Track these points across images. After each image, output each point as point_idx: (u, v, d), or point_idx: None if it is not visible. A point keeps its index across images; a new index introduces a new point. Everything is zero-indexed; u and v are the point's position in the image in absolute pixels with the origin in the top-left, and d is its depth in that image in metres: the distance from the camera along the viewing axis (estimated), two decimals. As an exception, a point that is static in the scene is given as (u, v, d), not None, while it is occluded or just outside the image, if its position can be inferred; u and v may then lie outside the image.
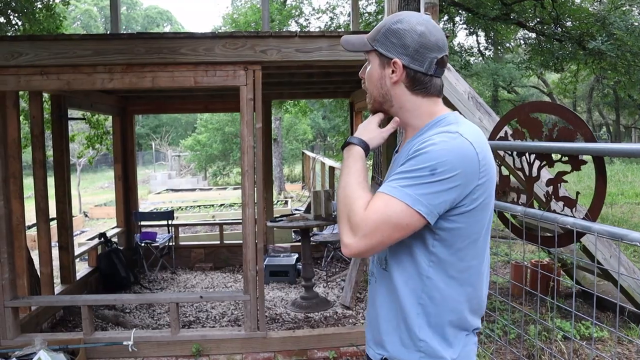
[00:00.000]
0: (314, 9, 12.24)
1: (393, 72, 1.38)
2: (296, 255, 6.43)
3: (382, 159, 7.13)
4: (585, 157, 2.44)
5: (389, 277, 1.40)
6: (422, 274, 1.34)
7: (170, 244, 6.81)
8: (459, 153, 1.25)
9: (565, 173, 2.53)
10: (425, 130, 1.37)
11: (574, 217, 2.41)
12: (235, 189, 18.13)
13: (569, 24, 9.29)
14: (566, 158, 2.49)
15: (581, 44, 8.39)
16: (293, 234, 8.05)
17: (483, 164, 1.29)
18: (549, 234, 2.74)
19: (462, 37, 49.10)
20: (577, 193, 2.48)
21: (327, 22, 11.76)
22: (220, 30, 17.86)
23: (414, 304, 1.35)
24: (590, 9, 10.15)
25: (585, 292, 4.70)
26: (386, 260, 1.41)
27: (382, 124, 1.52)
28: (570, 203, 2.49)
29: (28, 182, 4.64)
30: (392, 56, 1.37)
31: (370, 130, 1.48)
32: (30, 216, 4.85)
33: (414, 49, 1.35)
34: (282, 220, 5.24)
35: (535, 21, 9.30)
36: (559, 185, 2.57)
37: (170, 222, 6.84)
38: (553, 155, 2.59)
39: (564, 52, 8.63)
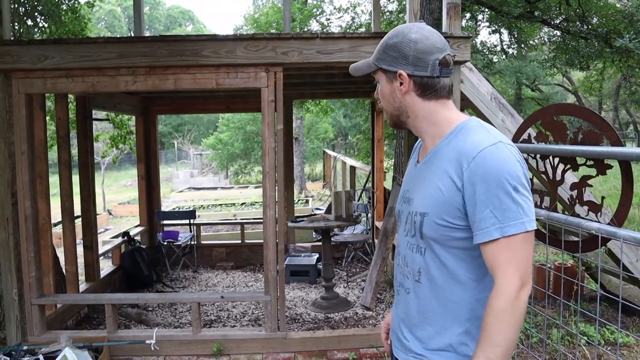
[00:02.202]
0: (335, 8, 12.18)
1: (401, 83, 1.42)
2: (317, 255, 6.44)
3: (403, 160, 7.10)
4: (611, 162, 2.39)
5: (428, 287, 1.42)
6: (473, 279, 1.38)
7: (192, 242, 6.88)
8: (514, 160, 1.31)
9: (590, 177, 2.48)
10: (450, 140, 1.40)
11: (599, 222, 2.37)
12: (256, 187, 18.23)
13: (595, 21, 9.11)
14: (591, 162, 2.44)
15: (608, 41, 8.21)
16: (314, 233, 8.06)
17: (523, 166, 1.36)
18: (574, 238, 2.70)
19: (485, 35, 48.54)
20: (603, 198, 2.44)
21: (348, 22, 11.72)
22: (241, 30, 17.95)
23: (466, 309, 1.39)
24: (617, 5, 9.94)
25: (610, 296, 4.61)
26: (420, 272, 1.43)
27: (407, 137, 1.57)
28: (595, 208, 2.45)
29: (53, 180, 4.73)
30: (396, 69, 1.41)
31: None
32: (55, 214, 4.94)
33: (414, 57, 1.39)
34: (303, 220, 5.26)
35: (560, 19, 9.14)
36: (583, 189, 2.53)
37: (192, 221, 6.90)
38: (578, 159, 2.55)
39: (589, 50, 8.47)
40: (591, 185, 2.51)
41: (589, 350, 3.83)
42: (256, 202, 14.23)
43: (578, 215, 2.48)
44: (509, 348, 1.27)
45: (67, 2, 6.22)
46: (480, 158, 1.28)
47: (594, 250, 2.49)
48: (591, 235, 2.39)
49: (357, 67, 1.52)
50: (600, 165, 2.40)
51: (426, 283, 1.42)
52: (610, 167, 2.39)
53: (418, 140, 1.61)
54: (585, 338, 3.91)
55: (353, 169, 10.00)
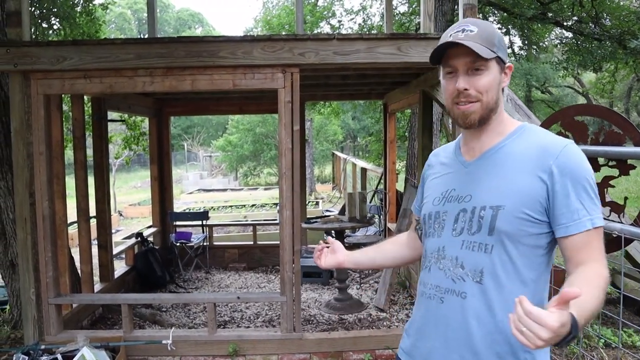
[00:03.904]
0: (345, 10, 12.20)
1: (504, 75, 1.42)
2: (329, 257, 6.42)
3: (415, 161, 7.09)
4: (634, 162, 2.37)
5: (492, 288, 1.34)
6: (533, 279, 1.35)
7: (205, 244, 6.89)
8: (587, 160, 1.36)
9: (612, 178, 2.47)
10: (516, 138, 1.41)
11: (621, 223, 2.35)
12: (266, 189, 18.27)
13: (607, 22, 9.05)
14: (613, 162, 2.43)
15: (622, 43, 8.16)
16: (325, 234, 8.05)
17: None
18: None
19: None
20: (625, 198, 2.42)
21: (360, 24, 11.71)
22: (252, 32, 18.01)
23: None
24: (631, 6, 9.88)
25: (627, 299, 4.58)
26: (482, 273, 1.35)
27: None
28: (618, 209, 2.43)
29: (67, 181, 4.75)
30: (506, 61, 1.41)
31: None
32: (69, 214, 4.96)
33: (505, 51, 1.42)
34: (316, 221, 5.26)
35: (573, 20, 9.08)
36: (605, 190, 2.51)
37: (204, 222, 6.92)
38: (599, 160, 2.53)
39: (603, 51, 8.41)
40: (613, 186, 2.49)
41: (606, 352, 3.80)
42: (266, 204, 14.25)
43: (600, 216, 2.46)
44: (587, 320, 1.16)
45: (82, 3, 6.26)
46: (568, 153, 1.31)
47: (616, 251, 2.48)
48: (613, 236, 2.38)
49: (478, 49, 1.33)
50: (623, 165, 2.39)
51: (490, 284, 1.33)
52: (634, 167, 2.37)
53: (448, 144, 1.59)
54: (604, 340, 3.88)
55: (364, 170, 9.99)
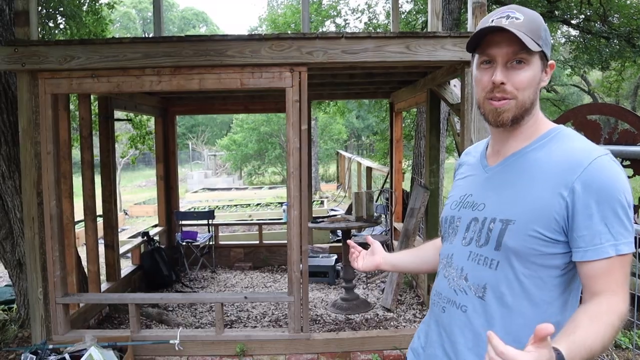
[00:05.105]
0: (351, 9, 12.18)
1: (545, 75, 1.27)
2: (335, 256, 6.41)
3: (422, 160, 7.06)
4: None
5: (494, 306, 1.24)
6: (546, 301, 1.22)
7: (211, 243, 6.88)
8: (624, 175, 1.19)
9: (625, 177, 2.44)
10: (544, 144, 1.25)
11: (636, 223, 2.33)
12: (270, 188, 18.26)
13: (616, 20, 8.99)
14: (628, 162, 2.40)
15: (630, 41, 8.10)
16: (330, 234, 8.04)
17: None
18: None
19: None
20: (640, 198, 2.39)
21: (366, 22, 11.68)
22: (256, 31, 18.00)
23: (531, 334, 1.16)
24: None
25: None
26: (485, 288, 1.25)
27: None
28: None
29: (74, 180, 4.74)
30: (549, 58, 1.26)
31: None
32: (76, 213, 4.95)
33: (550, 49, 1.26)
34: (323, 221, 5.25)
35: (581, 18, 9.03)
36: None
37: (210, 221, 6.91)
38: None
39: (611, 50, 8.36)
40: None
41: (617, 354, 3.77)
42: (271, 203, 14.25)
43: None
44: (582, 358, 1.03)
45: (88, 2, 6.26)
46: (597, 166, 1.14)
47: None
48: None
49: (524, 38, 1.18)
50: (637, 165, 2.36)
51: (492, 301, 1.23)
52: (648, 167, 2.34)
53: (480, 143, 1.49)
54: (614, 340, 3.85)
55: (369, 169, 9.97)
